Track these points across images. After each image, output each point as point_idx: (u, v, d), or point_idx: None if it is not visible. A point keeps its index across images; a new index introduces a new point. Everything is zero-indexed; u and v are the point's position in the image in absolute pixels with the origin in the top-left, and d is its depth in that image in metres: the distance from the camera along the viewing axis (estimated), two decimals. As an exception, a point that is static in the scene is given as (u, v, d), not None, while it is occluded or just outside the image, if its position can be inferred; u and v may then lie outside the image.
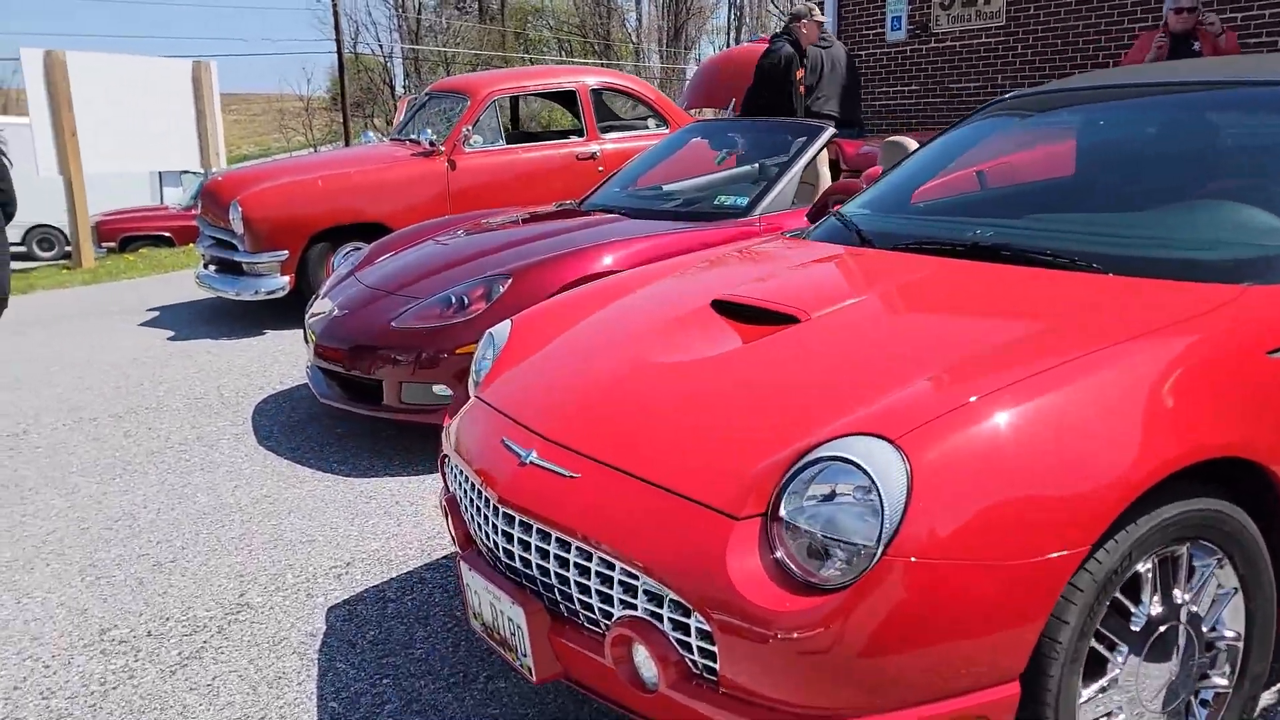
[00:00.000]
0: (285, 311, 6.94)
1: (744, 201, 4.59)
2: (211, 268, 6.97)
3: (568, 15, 57.47)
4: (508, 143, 7.12)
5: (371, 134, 7.55)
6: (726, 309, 2.48)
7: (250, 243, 6.40)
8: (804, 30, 7.69)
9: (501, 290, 3.93)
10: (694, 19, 56.91)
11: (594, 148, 7.26)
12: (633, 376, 2.30)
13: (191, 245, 12.28)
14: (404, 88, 54.17)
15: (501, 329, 2.80)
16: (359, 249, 6.54)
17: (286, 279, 6.47)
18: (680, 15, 55.49)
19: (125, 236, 15.86)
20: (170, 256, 11.09)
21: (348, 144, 28.96)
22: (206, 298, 7.63)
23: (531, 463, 2.14)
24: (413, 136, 7.35)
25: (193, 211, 16.39)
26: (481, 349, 2.80)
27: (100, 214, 16.08)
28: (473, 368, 2.76)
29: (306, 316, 4.69)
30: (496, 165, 6.96)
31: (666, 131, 7.55)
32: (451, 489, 2.55)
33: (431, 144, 6.80)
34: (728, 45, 56.49)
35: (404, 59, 54.78)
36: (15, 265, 19.66)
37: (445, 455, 2.61)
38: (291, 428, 4.63)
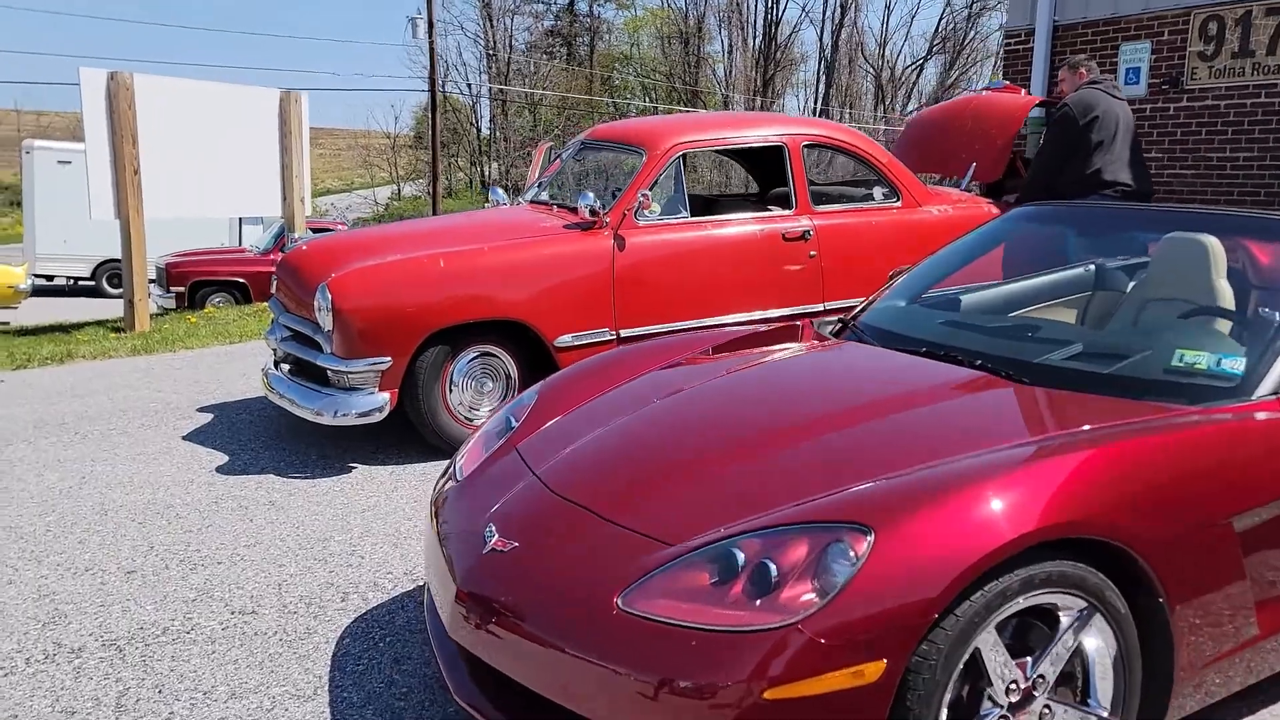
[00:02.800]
0: (383, 435, 5.07)
1: (1236, 368, 2.56)
2: (284, 367, 5.14)
3: (655, 63, 56.53)
4: (691, 213, 5.20)
5: (500, 192, 5.64)
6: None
7: (341, 343, 4.55)
8: (1066, 81, 5.84)
9: (853, 557, 1.94)
10: (782, 71, 55.60)
11: (805, 223, 5.32)
12: None
13: (266, 304, 10.60)
14: (492, 129, 53.45)
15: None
16: (487, 356, 4.67)
17: (387, 396, 4.60)
18: (769, 67, 54.22)
19: (196, 282, 14.33)
20: (239, 320, 9.38)
21: (435, 184, 27.55)
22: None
23: None
24: (559, 200, 5.49)
25: (272, 256, 14.85)
26: None
27: (170, 255, 14.59)
28: None
29: (433, 510, 2.77)
30: (678, 246, 5.05)
31: (897, 206, 5.59)
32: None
33: (593, 212, 4.91)
34: (818, 99, 54.83)
35: (490, 99, 54.11)
36: (80, 302, 18.44)
37: None
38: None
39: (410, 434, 4.97)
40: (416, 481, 4.50)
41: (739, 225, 5.21)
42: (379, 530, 3.96)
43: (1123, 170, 5.65)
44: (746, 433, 2.52)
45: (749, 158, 6.43)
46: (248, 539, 3.89)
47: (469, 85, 53.81)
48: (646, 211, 4.99)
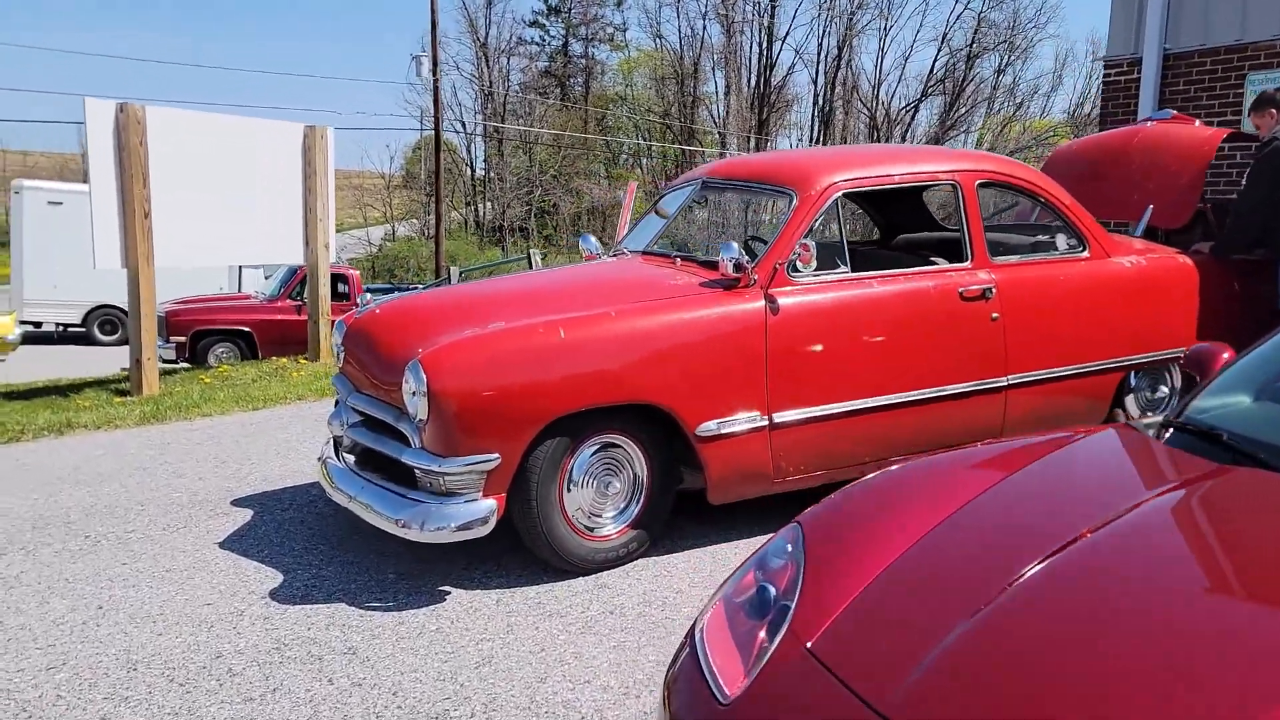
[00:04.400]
0: (485, 551, 4.06)
1: None
2: (349, 458, 4.13)
3: (650, 104, 56.18)
4: (851, 268, 4.23)
5: (593, 240, 4.68)
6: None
7: (439, 436, 3.56)
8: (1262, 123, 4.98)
9: None
10: (776, 112, 55.36)
11: (985, 278, 4.37)
12: None
13: (285, 360, 9.59)
14: (486, 169, 52.77)
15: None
16: (610, 448, 3.71)
17: (493, 504, 3.60)
18: (764, 109, 53.96)
19: (198, 331, 13.29)
20: (259, 381, 8.34)
21: (439, 225, 26.59)
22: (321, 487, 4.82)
23: None
24: (677, 250, 4.55)
25: (280, 303, 13.86)
26: None
27: (169, 302, 13.56)
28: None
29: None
30: (841, 308, 4.09)
31: (1084, 257, 4.65)
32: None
33: (739, 267, 3.95)
34: (812, 140, 54.38)
35: (486, 138, 53.55)
36: (71, 352, 17.29)
37: None
38: None
39: (507, 538, 3.97)
40: (534, 616, 3.50)
41: (910, 281, 4.26)
42: (508, 699, 2.95)
43: None
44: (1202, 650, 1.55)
45: (883, 199, 5.49)
46: (331, 709, 2.87)
47: (463, 124, 53.14)
48: (802, 266, 4.03)
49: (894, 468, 2.48)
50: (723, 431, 3.86)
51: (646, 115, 55.45)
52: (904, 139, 54.12)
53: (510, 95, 53.76)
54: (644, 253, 4.67)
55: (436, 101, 26.09)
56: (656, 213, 5.03)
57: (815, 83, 54.01)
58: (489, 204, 53.12)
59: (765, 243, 4.13)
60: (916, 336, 4.20)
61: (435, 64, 25.84)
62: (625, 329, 3.76)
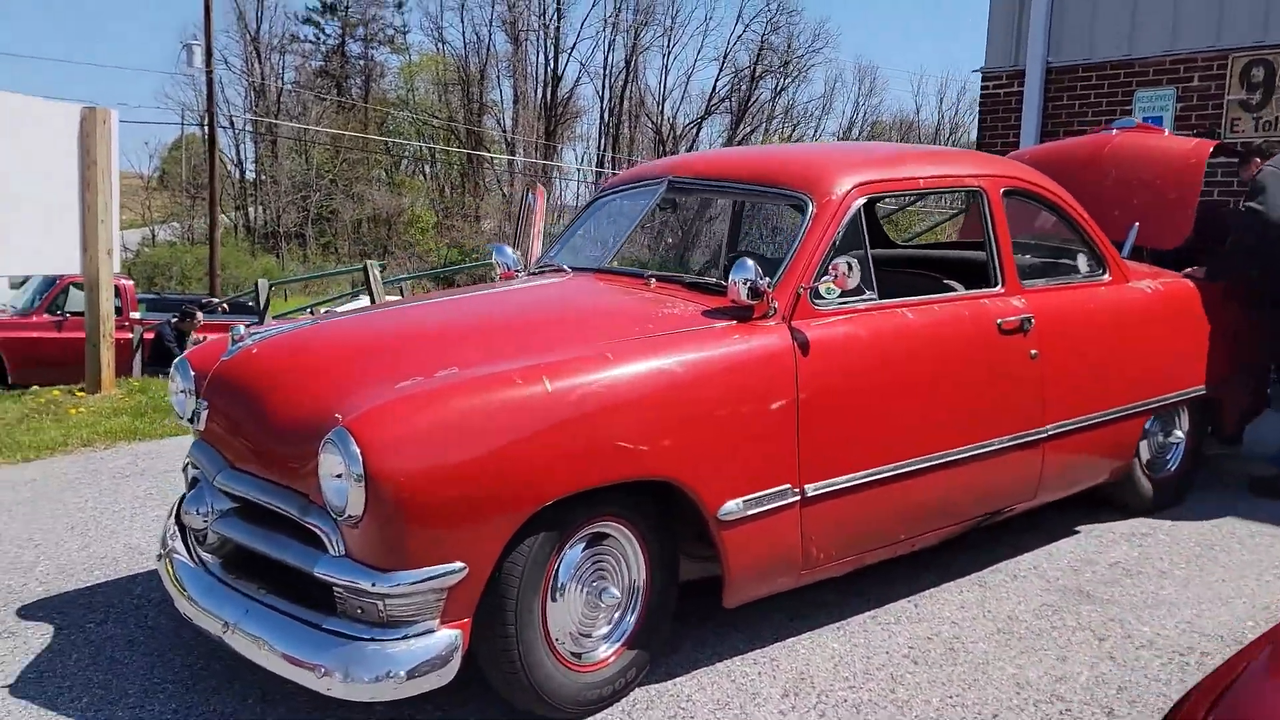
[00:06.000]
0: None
1: None
2: (206, 555, 2.88)
3: (434, 109, 54.40)
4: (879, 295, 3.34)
5: (508, 252, 3.59)
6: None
7: (378, 539, 2.42)
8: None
9: None
10: (564, 124, 55.04)
11: (1020, 307, 3.62)
12: None
13: (56, 391, 7.77)
14: (257, 172, 49.32)
15: None
16: (600, 539, 2.71)
17: (455, 634, 2.49)
18: (551, 119, 53.54)
19: (-74, 353, 10.98)
20: (26, 420, 6.58)
21: (213, 230, 24.08)
22: (160, 585, 3.50)
23: None
24: (637, 268, 3.57)
25: (35, 318, 11.70)
26: None
27: (-111, 318, 11.15)
28: None
29: None
30: (875, 344, 3.23)
31: (1105, 281, 4.01)
32: None
33: (756, 293, 3.00)
34: (601, 150, 54.33)
35: (256, 138, 50.06)
36: None
37: None
38: None
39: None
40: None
41: (944, 311, 3.44)
42: None
43: None
44: None
45: (758, 209, 4.63)
46: None
47: (231, 122, 49.39)
48: (828, 290, 3.13)
49: None
50: (749, 512, 2.91)
51: (430, 121, 53.56)
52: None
53: (284, 94, 50.54)
54: (596, 271, 3.63)
55: (210, 92, 23.63)
56: (597, 221, 4.00)
57: (602, 96, 53.96)
58: (260, 208, 49.66)
59: (751, 261, 3.12)
60: (957, 380, 3.40)
61: (209, 53, 23.40)
62: (630, 377, 2.73)
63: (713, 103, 54.14)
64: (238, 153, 49.81)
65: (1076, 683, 3.01)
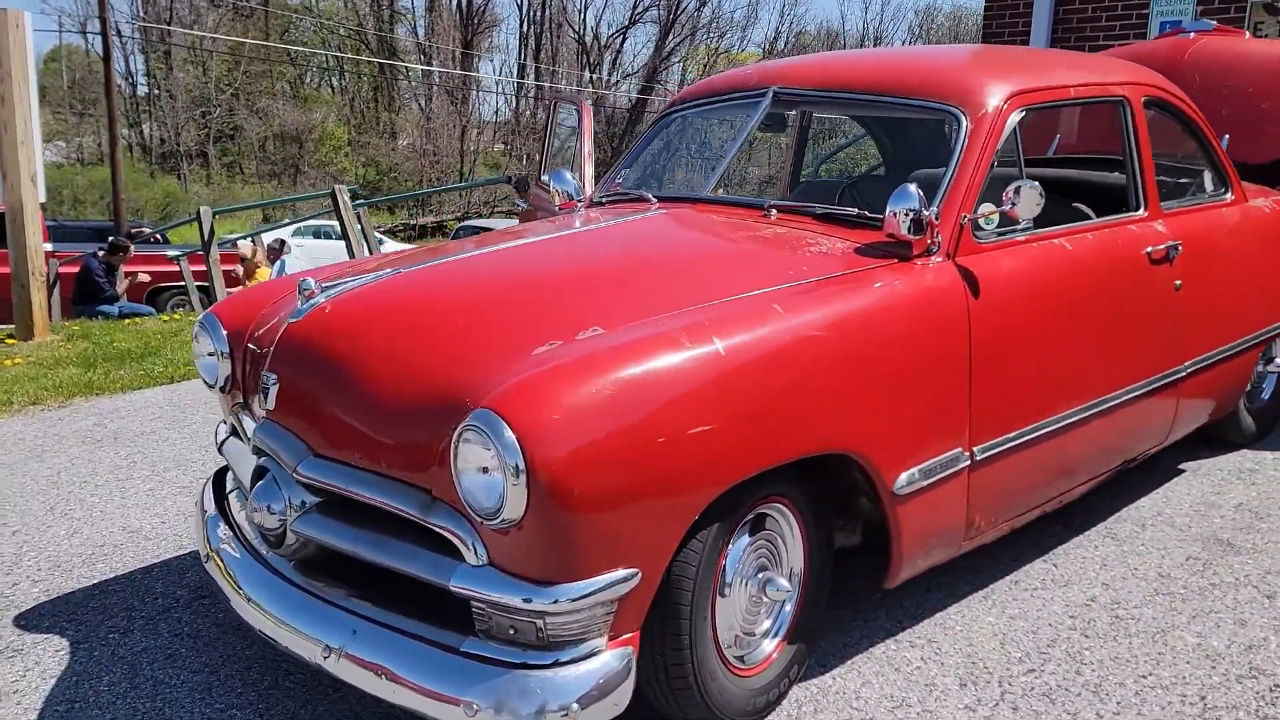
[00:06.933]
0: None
1: None
2: (272, 555, 2.35)
3: (341, 17, 51.75)
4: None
5: (568, 176, 3.01)
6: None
7: (542, 545, 1.93)
8: None
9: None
10: (481, 33, 52.98)
11: (1163, 232, 3.23)
12: None
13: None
14: (150, 87, 46.45)
15: None
16: (764, 526, 2.27)
17: (628, 651, 2.04)
18: (469, 28, 51.44)
19: None
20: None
21: (114, 148, 22.45)
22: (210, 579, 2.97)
23: None
24: (781, 202, 3.06)
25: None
26: None
27: None
28: None
29: None
30: (1044, 283, 2.80)
31: (1228, 201, 3.64)
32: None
33: (919, 226, 2.53)
34: (521, 61, 52.47)
35: (146, 49, 46.96)
36: None
37: None
38: None
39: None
40: None
41: (1098, 240, 3.02)
42: None
43: None
44: None
45: (888, 126, 4.20)
46: None
47: (119, 31, 46.14)
48: (987, 220, 2.69)
49: None
50: (925, 483, 2.49)
51: (337, 29, 50.97)
52: (614, 65, 53.36)
53: (175, 1, 47.39)
54: (693, 200, 3.11)
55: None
56: (670, 142, 3.45)
57: (520, 3, 51.92)
58: (156, 125, 46.95)
59: (914, 188, 2.65)
60: (1113, 318, 3.00)
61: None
62: (805, 333, 2.25)
63: (637, 10, 52.47)
64: (127, 64, 46.76)
65: (1269, 651, 2.70)
